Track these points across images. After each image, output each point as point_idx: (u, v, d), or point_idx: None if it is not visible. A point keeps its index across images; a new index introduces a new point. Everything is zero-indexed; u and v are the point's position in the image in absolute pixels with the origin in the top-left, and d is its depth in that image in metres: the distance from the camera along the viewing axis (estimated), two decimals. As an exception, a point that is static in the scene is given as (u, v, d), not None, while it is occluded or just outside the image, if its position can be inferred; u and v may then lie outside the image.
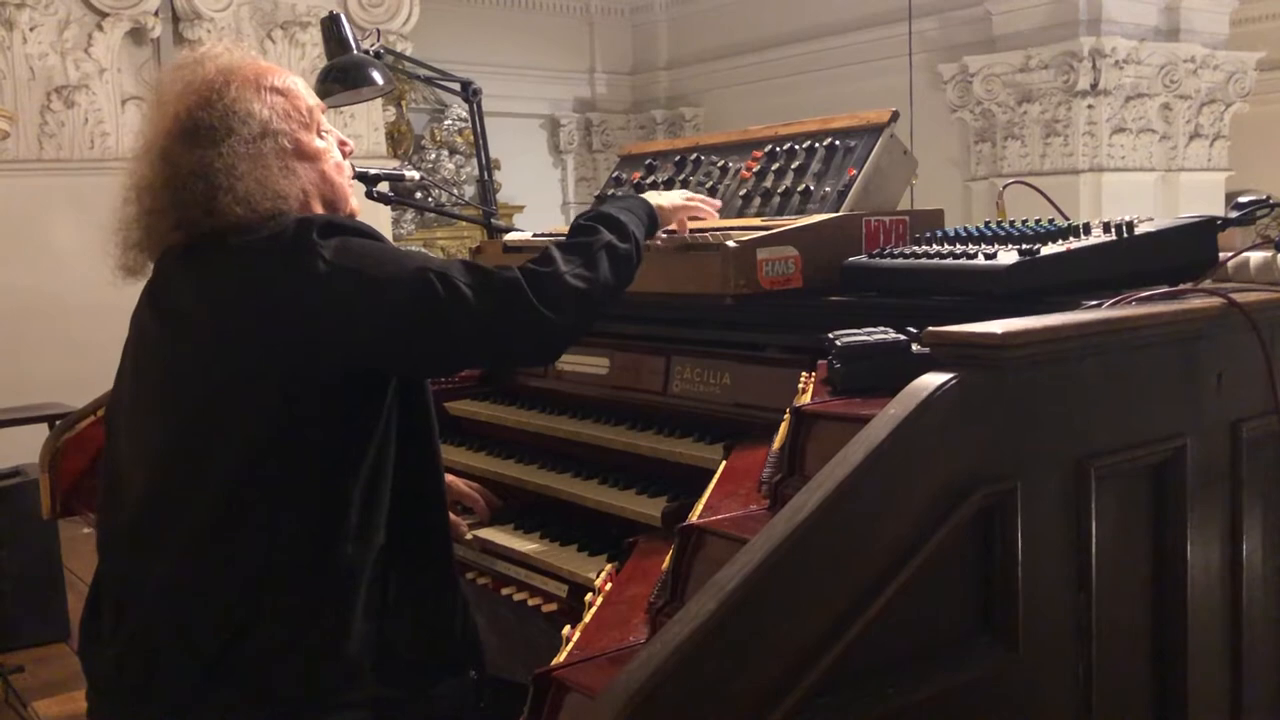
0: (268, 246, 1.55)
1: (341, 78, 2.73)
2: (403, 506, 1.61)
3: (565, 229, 2.54)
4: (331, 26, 2.84)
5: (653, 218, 1.87)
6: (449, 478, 1.94)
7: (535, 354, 1.73)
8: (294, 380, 1.52)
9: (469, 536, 2.04)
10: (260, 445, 1.51)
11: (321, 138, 1.72)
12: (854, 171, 2.05)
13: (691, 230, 1.99)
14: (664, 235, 1.96)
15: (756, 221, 2.04)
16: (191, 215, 1.58)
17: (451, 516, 1.92)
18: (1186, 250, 1.74)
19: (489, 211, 3.00)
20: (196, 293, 1.60)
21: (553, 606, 1.86)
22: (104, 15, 6.01)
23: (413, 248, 7.97)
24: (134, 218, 1.65)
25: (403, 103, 9.28)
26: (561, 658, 1.33)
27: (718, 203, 2.13)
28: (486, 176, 3.08)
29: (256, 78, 1.67)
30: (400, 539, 1.61)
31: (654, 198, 1.92)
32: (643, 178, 2.47)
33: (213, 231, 1.58)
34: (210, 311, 1.57)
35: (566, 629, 1.42)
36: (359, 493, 1.55)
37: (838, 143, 2.13)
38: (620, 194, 1.94)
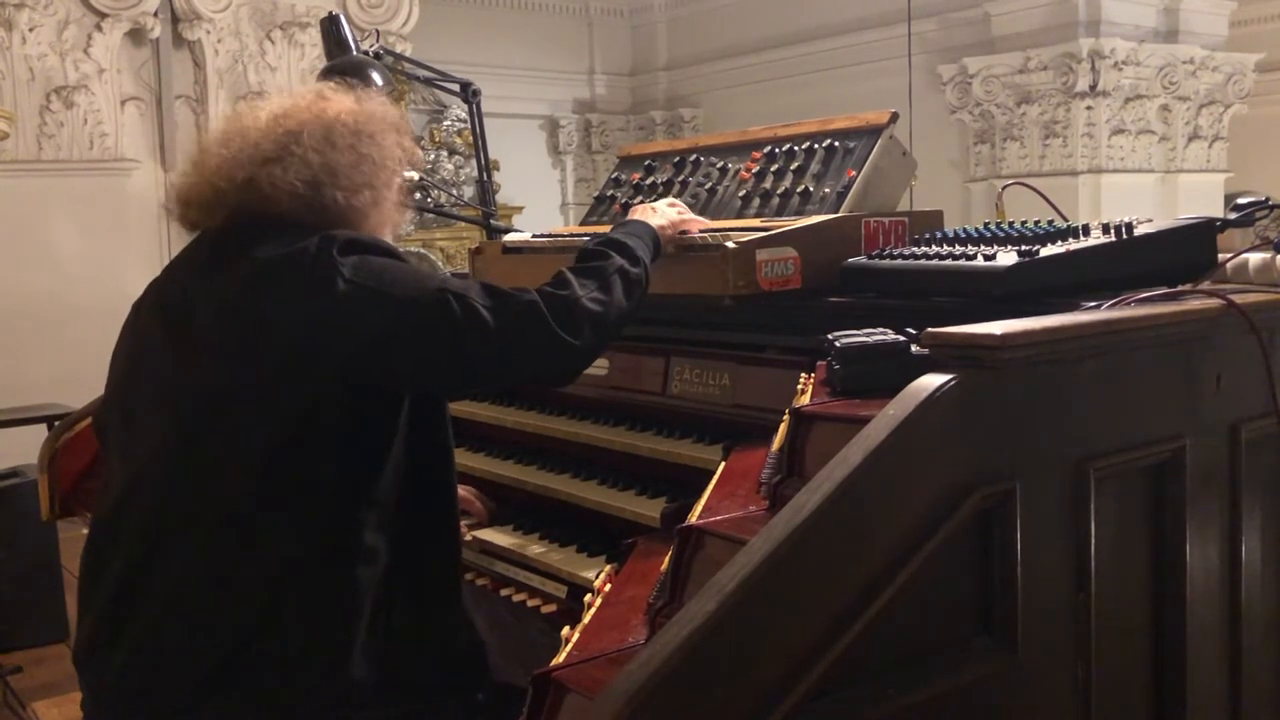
0: (288, 261, 1.54)
1: (341, 79, 2.73)
2: (413, 527, 1.60)
3: (564, 229, 2.55)
4: (331, 27, 2.84)
5: (657, 241, 1.89)
6: None
7: (551, 376, 1.73)
8: (306, 397, 1.50)
9: (468, 537, 2.04)
10: (269, 460, 1.50)
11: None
12: (853, 173, 2.05)
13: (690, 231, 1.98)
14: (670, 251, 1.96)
15: (756, 222, 2.04)
16: (298, 191, 1.59)
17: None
18: (1186, 251, 1.74)
19: (488, 212, 3.01)
20: (210, 302, 1.58)
21: (552, 607, 1.86)
22: (103, 16, 6.01)
23: (411, 249, 7.98)
24: (233, 160, 1.62)
25: (402, 103, 9.28)
26: (561, 658, 1.33)
27: (704, 220, 2.12)
28: (485, 177, 3.08)
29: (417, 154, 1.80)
30: (409, 560, 1.60)
31: (651, 219, 1.93)
32: (642, 179, 2.47)
33: (267, 215, 1.59)
34: (224, 322, 1.56)
35: (565, 630, 1.42)
36: (370, 513, 1.54)
37: (837, 144, 2.13)
38: (622, 220, 1.97)
